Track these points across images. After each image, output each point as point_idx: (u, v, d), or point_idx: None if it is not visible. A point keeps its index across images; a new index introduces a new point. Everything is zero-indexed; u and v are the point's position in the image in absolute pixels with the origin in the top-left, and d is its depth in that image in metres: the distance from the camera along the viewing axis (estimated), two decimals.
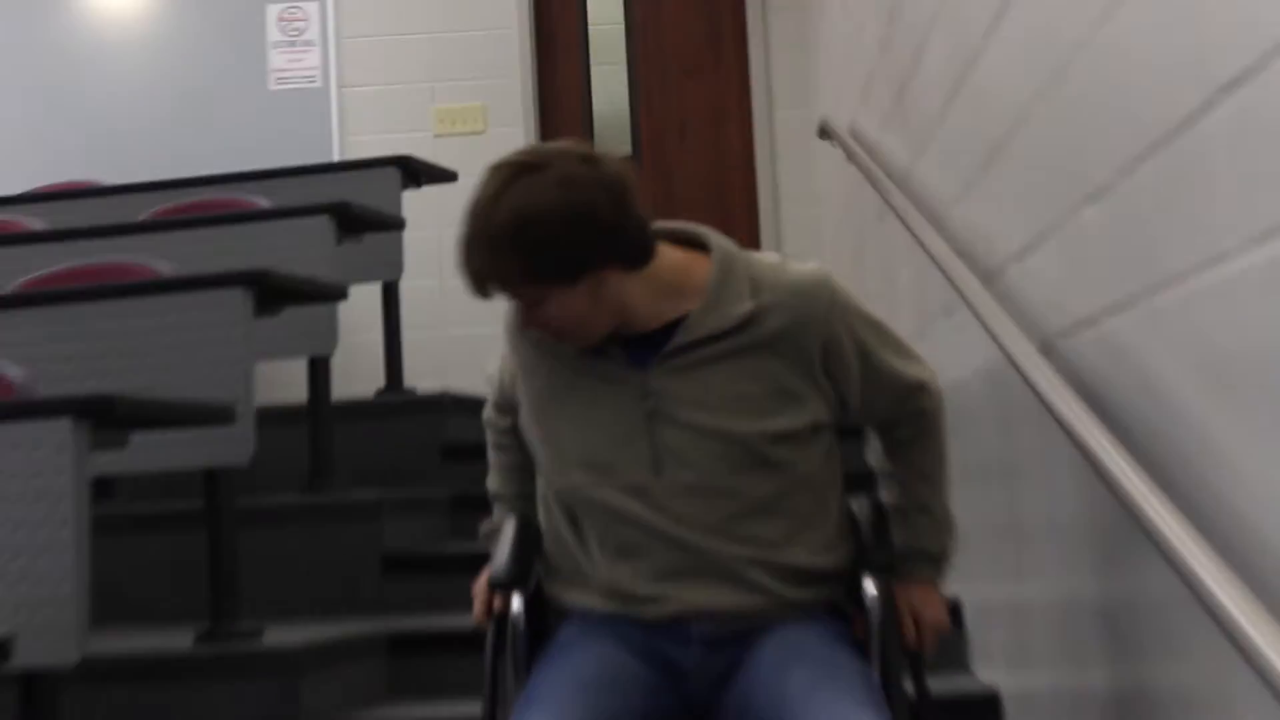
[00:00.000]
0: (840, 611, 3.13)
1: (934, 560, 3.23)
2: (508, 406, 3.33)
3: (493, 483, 3.48)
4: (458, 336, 9.31)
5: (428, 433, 6.60)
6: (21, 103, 10.03)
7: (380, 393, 7.43)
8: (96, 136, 9.89)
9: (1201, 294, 2.58)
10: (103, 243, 6.32)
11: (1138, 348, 2.98)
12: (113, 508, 5.66)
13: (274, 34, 10.09)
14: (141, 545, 5.55)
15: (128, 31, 10.07)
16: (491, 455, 3.47)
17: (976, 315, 3.84)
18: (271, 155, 9.00)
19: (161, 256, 5.73)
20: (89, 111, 9.97)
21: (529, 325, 2.93)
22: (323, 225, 6.32)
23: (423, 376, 7.92)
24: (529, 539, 3.23)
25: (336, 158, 9.68)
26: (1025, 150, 3.77)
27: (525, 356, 3.13)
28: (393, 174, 7.63)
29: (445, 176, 8.07)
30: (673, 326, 2.97)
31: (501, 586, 3.15)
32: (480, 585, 3.27)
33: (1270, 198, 2.22)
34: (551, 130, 9.99)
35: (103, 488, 5.39)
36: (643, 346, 2.99)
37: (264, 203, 7.06)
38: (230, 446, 4.74)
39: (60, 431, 3.64)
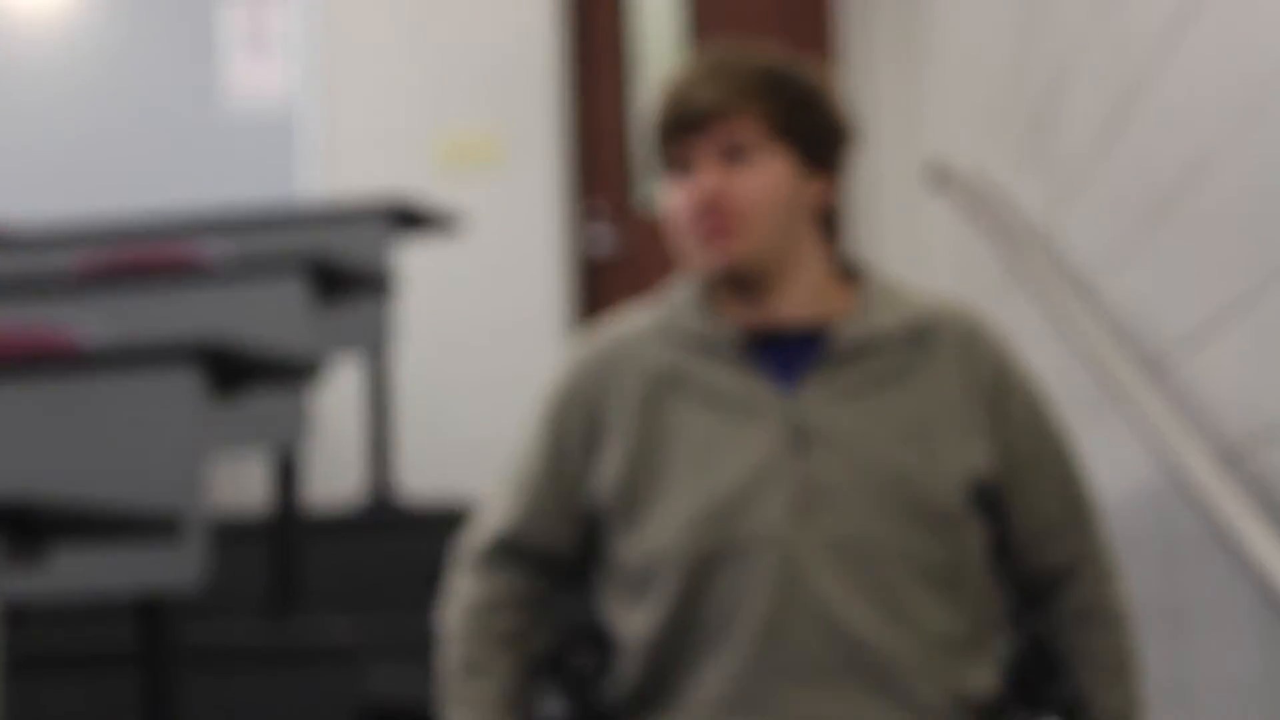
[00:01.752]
0: None
1: None
2: (526, 553, 2.98)
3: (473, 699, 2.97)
4: (462, 435, 9.21)
5: (422, 553, 6.46)
6: None
7: (363, 501, 7.44)
8: (3, 171, 9.90)
9: None
10: (11, 305, 6.27)
11: None
12: (25, 642, 5.65)
13: (230, 38, 10.15)
14: (60, 688, 5.50)
15: (47, 35, 10.14)
16: (460, 687, 2.97)
17: (1139, 415, 3.84)
18: (227, 190, 8.99)
19: (87, 324, 5.71)
20: None
21: (708, 194, 2.78)
22: (293, 286, 6.30)
23: (417, 480, 7.92)
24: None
25: (305, 194, 9.71)
26: (1210, 205, 3.77)
27: (618, 393, 2.91)
28: (382, 220, 7.64)
29: (449, 223, 8.10)
30: (815, 340, 2.85)
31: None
32: None
33: None
34: (587, 165, 10.09)
35: (13, 618, 5.40)
36: (780, 362, 2.85)
37: (219, 254, 7.02)
38: (174, 568, 4.68)
39: None
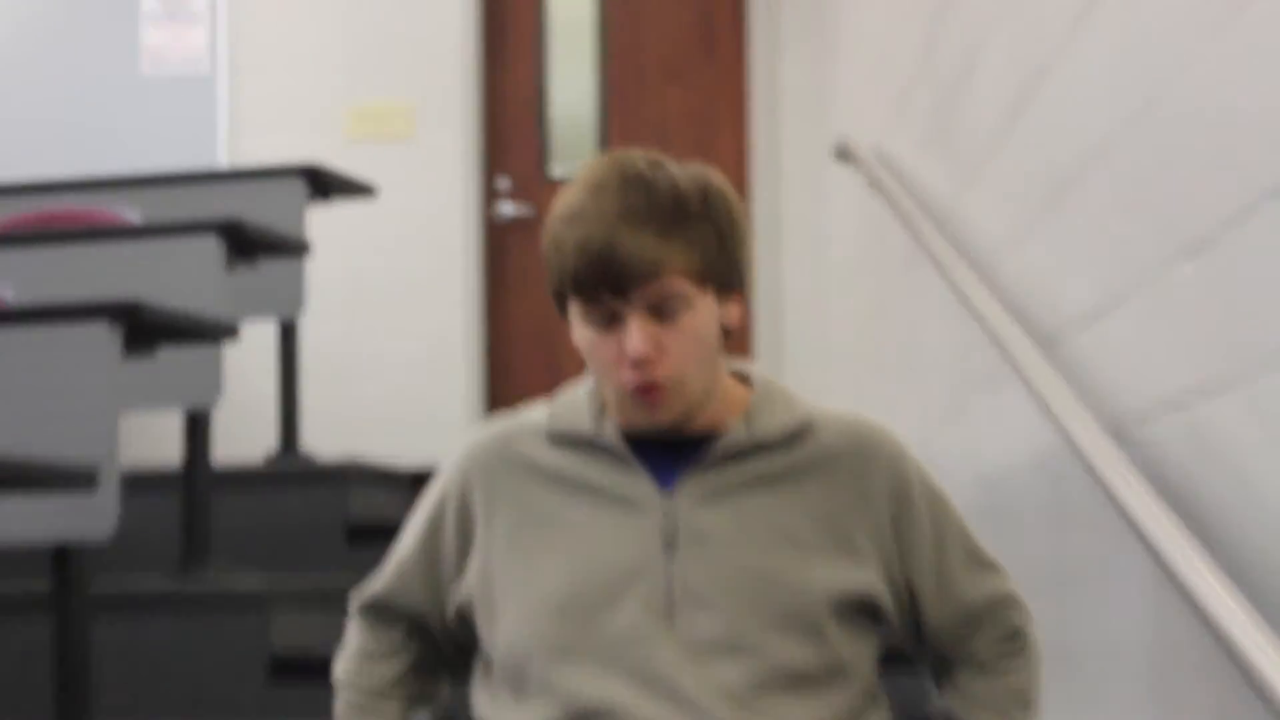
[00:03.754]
0: None
1: None
2: (405, 616, 2.98)
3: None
4: (370, 390, 9.38)
5: (329, 508, 6.52)
6: None
7: (272, 458, 7.45)
8: None
9: None
10: None
11: (1235, 439, 3.04)
12: None
13: (150, 5, 10.12)
14: None
15: None
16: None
17: (1032, 390, 3.90)
18: (144, 156, 8.98)
19: (8, 280, 5.72)
20: None
21: (638, 351, 2.62)
22: (209, 247, 6.28)
23: (324, 439, 7.92)
24: None
25: (224, 162, 9.73)
26: (1105, 188, 3.83)
27: (500, 483, 2.85)
28: (295, 185, 7.60)
29: (361, 190, 8.07)
30: (708, 440, 2.77)
31: None
32: None
33: None
34: (496, 139, 10.10)
35: None
36: (665, 465, 2.77)
37: (135, 216, 7.04)
38: (88, 518, 4.71)
39: None
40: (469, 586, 2.85)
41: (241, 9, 10.08)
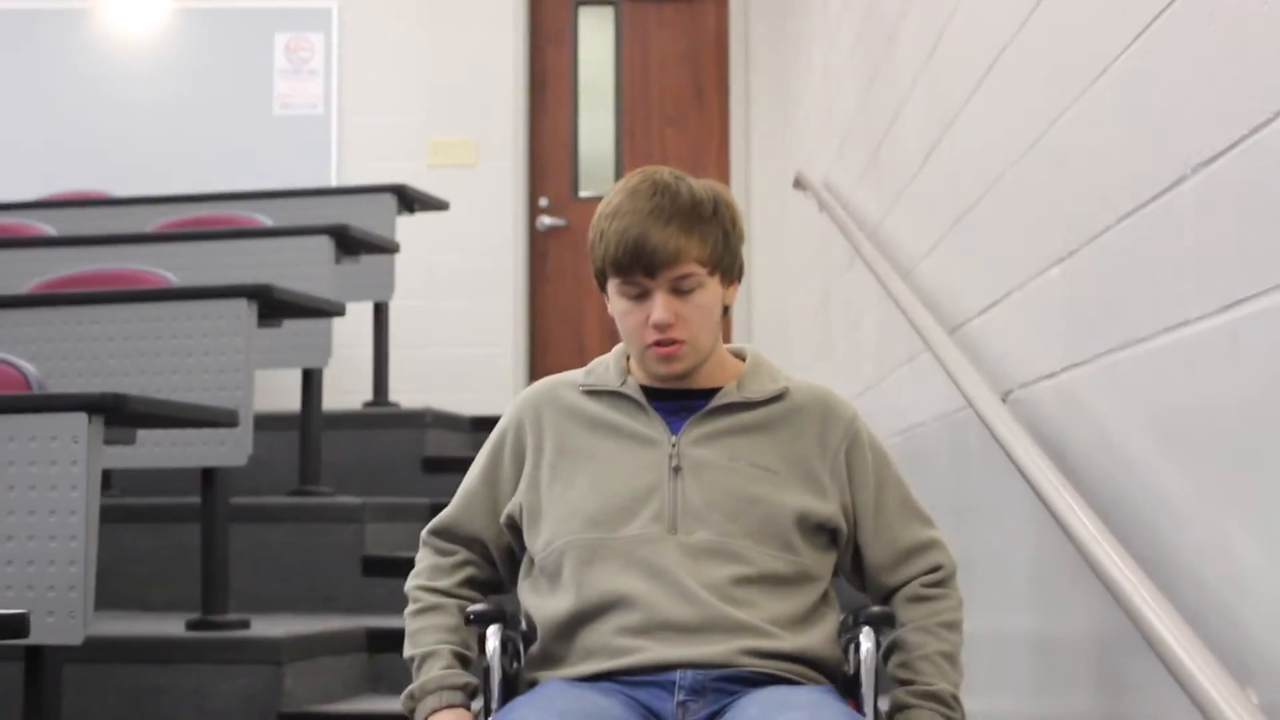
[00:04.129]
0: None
1: (944, 703, 2.81)
2: (468, 535, 2.97)
3: (419, 647, 2.89)
4: (441, 355, 9.40)
5: (409, 445, 6.63)
6: (39, 117, 10.04)
7: (367, 405, 7.54)
8: (107, 152, 9.86)
9: (1159, 356, 2.61)
10: (113, 250, 6.30)
11: (1094, 401, 3.02)
12: (109, 500, 5.66)
13: (280, 61, 10.09)
14: (136, 537, 5.52)
15: (141, 52, 10.08)
16: (416, 622, 2.93)
17: (940, 363, 3.88)
18: (273, 177, 8.99)
19: (167, 267, 5.73)
20: (100, 127, 9.97)
21: (663, 320, 2.73)
22: (322, 245, 6.35)
23: (407, 392, 7.99)
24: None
25: (334, 183, 9.69)
26: (995, 213, 3.80)
27: (546, 420, 2.91)
28: (388, 200, 7.67)
29: (438, 205, 8.13)
30: (708, 396, 2.88)
31: (479, 621, 2.83)
32: None
33: (1231, 272, 2.27)
34: (540, 167, 10.06)
35: (101, 481, 5.41)
36: (674, 413, 2.87)
37: (266, 221, 7.10)
38: (229, 448, 4.77)
39: (76, 426, 3.65)
40: (519, 499, 2.89)
41: (348, 65, 10.07)
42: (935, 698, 2.79)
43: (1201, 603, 2.37)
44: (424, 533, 3.02)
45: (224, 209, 7.49)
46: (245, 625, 4.68)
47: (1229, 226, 2.27)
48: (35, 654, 3.51)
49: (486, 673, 2.76)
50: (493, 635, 2.79)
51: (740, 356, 2.98)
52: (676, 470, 2.82)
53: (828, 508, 2.84)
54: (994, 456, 3.33)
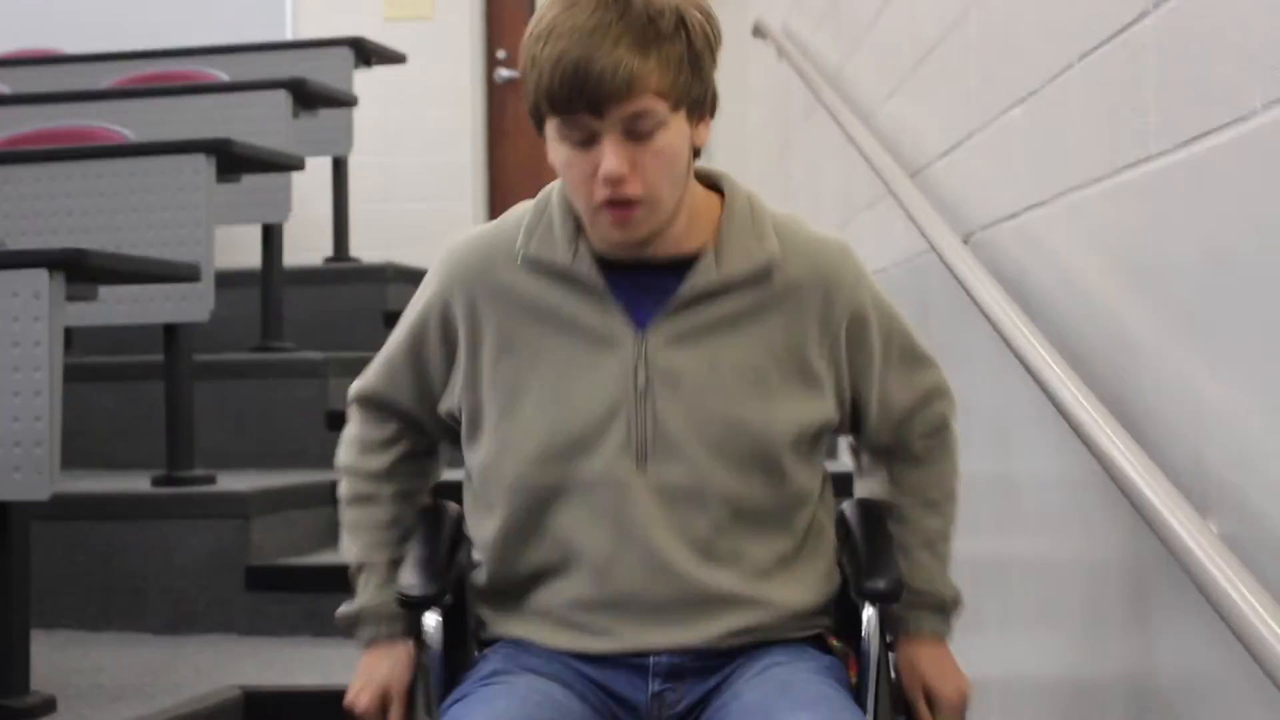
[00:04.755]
0: (829, 644, 2.48)
1: (943, 609, 2.54)
2: (395, 412, 2.53)
3: (355, 550, 2.57)
4: (401, 210, 9.31)
5: (371, 300, 6.59)
6: None
7: (327, 260, 7.51)
8: (56, 6, 9.73)
9: (1122, 193, 2.59)
10: (68, 107, 6.24)
11: (1057, 241, 3.02)
12: (71, 359, 5.62)
13: None
14: (100, 395, 5.53)
15: None
16: (352, 514, 2.59)
17: (902, 207, 3.86)
18: (228, 32, 8.83)
19: (124, 123, 5.67)
20: None
21: (613, 172, 2.15)
22: (280, 99, 6.30)
23: (367, 247, 7.89)
24: (444, 537, 2.55)
25: (290, 37, 9.59)
26: (956, 54, 3.77)
27: (482, 305, 2.39)
28: (345, 54, 7.57)
29: (395, 58, 8.04)
30: (680, 269, 2.33)
31: (412, 605, 2.46)
32: (358, 704, 2.49)
33: (1195, 105, 2.26)
34: (497, 19, 10.01)
35: (68, 341, 5.35)
36: (637, 297, 2.34)
37: (223, 76, 7.04)
38: (191, 304, 4.75)
39: (37, 282, 3.59)
40: (455, 398, 2.42)
41: None
42: (939, 608, 2.54)
43: (1164, 439, 2.37)
44: (352, 394, 2.57)
45: (179, 64, 7.45)
46: (211, 480, 4.70)
47: (1192, 61, 2.25)
48: (2, 511, 3.50)
49: (422, 660, 2.48)
50: (431, 623, 2.45)
51: (715, 186, 2.42)
52: (646, 383, 2.31)
53: (825, 407, 2.40)
54: (957, 299, 3.32)
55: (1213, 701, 2.26)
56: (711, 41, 2.24)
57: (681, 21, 2.17)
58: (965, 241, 3.51)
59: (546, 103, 2.16)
